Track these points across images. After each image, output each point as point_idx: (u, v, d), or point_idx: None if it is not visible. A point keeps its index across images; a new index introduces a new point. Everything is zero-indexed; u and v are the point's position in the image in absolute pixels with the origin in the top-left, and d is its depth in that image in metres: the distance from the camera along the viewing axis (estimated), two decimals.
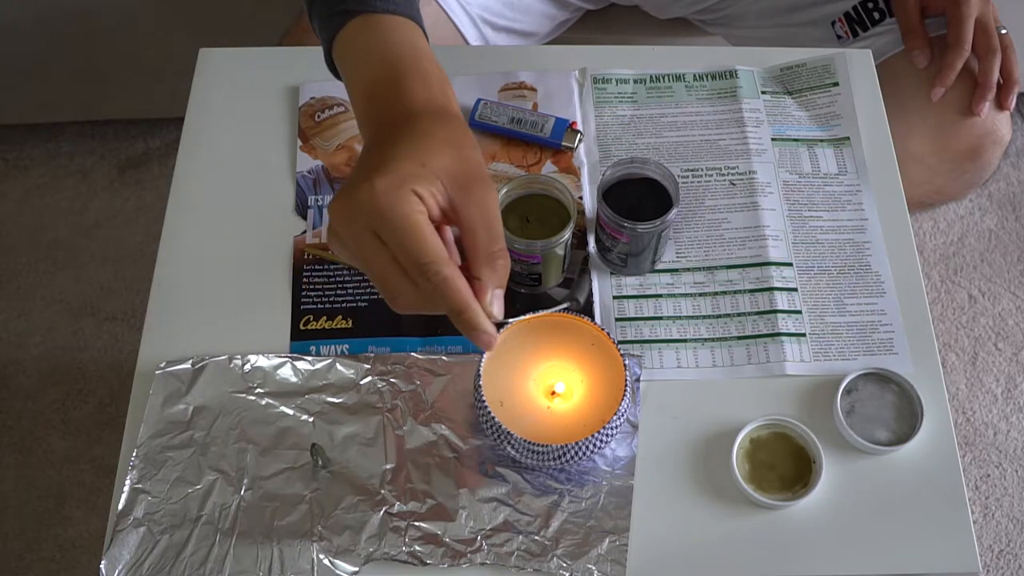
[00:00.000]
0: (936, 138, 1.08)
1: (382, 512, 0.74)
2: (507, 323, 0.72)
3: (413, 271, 0.60)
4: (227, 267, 0.86)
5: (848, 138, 0.93)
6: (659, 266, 0.86)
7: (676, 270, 0.86)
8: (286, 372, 0.80)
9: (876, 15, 1.12)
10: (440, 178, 0.62)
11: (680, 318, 0.84)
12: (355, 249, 0.62)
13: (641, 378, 0.81)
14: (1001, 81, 1.07)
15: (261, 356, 0.81)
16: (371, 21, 0.70)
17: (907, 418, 0.78)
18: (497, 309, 0.63)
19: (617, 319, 0.84)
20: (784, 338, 0.82)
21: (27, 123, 1.72)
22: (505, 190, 0.81)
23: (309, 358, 0.81)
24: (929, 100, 1.06)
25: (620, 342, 0.82)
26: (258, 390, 0.79)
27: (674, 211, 0.80)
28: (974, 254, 1.61)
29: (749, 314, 0.84)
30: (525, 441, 0.71)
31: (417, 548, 0.73)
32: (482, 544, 0.73)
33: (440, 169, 0.62)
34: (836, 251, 0.87)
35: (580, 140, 0.93)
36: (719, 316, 0.84)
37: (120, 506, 0.74)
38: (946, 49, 1.05)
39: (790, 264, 0.86)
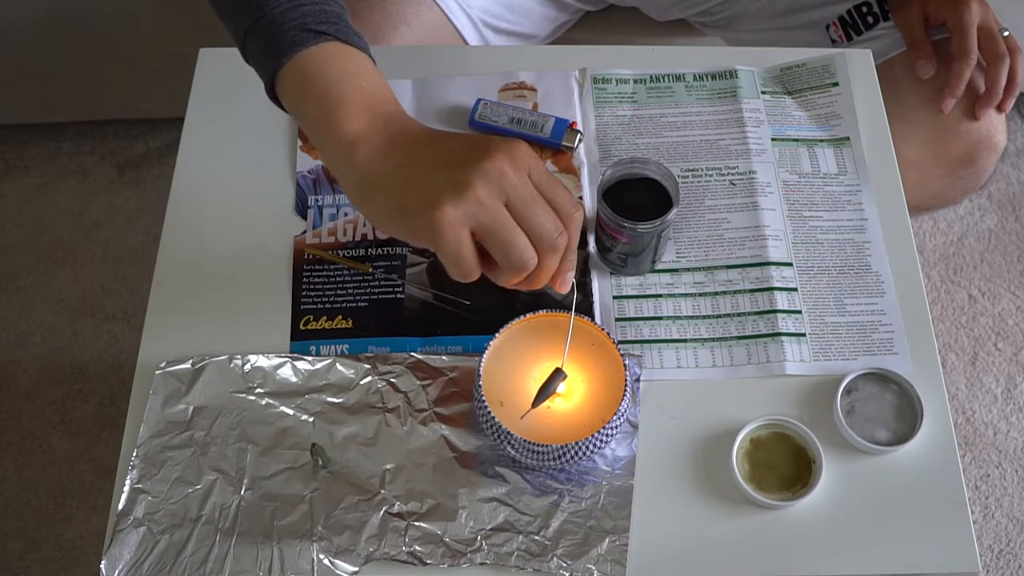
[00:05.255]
0: (931, 144, 1.08)
1: (382, 512, 0.74)
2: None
3: (565, 214, 0.69)
4: (227, 267, 0.86)
5: (848, 138, 0.93)
6: (659, 266, 0.86)
7: (676, 270, 0.86)
8: (286, 372, 0.80)
9: (870, 19, 1.12)
10: None
11: (680, 318, 0.84)
12: (521, 189, 0.67)
13: (641, 378, 0.81)
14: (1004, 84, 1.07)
15: (261, 356, 0.81)
16: (342, 47, 0.72)
17: (907, 418, 0.78)
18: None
19: (617, 319, 0.84)
20: (784, 338, 0.82)
21: (27, 123, 1.72)
22: None
23: (309, 358, 0.81)
24: (924, 106, 1.06)
25: (620, 342, 0.82)
26: (258, 390, 0.79)
27: (674, 211, 0.80)
28: (974, 254, 1.61)
29: (749, 314, 0.84)
30: (525, 441, 0.71)
31: (417, 548, 0.73)
32: (482, 544, 0.73)
33: None
34: (836, 251, 0.87)
35: (580, 140, 0.93)
36: (719, 316, 0.84)
37: (120, 506, 0.74)
38: (952, 59, 1.05)
39: (790, 264, 0.86)
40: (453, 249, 0.66)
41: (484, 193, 0.65)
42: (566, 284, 0.72)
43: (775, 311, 0.84)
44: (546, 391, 0.73)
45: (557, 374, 0.74)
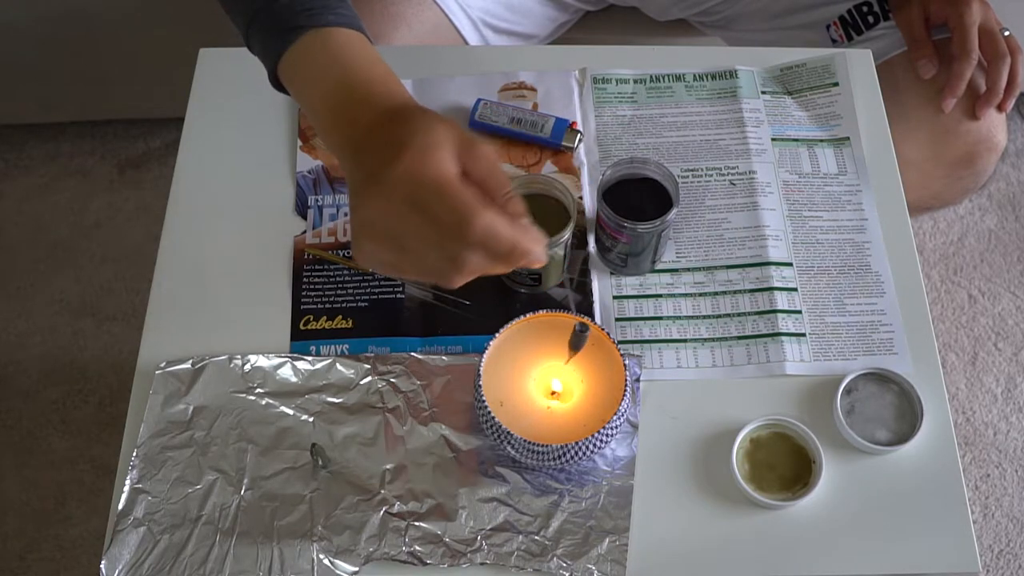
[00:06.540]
0: (931, 144, 1.08)
1: (382, 512, 0.74)
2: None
3: (457, 231, 0.62)
4: (227, 267, 0.86)
5: (848, 138, 0.93)
6: (659, 266, 0.86)
7: (676, 270, 0.86)
8: (286, 372, 0.80)
9: (871, 19, 1.12)
10: (451, 142, 0.65)
11: (680, 318, 0.84)
12: (398, 226, 0.63)
13: (641, 378, 0.81)
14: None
15: (261, 356, 0.81)
16: (325, 34, 0.72)
17: (907, 418, 0.78)
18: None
19: (617, 319, 0.84)
20: (784, 338, 0.82)
21: (27, 123, 1.72)
22: None
23: (309, 358, 0.81)
24: (924, 106, 1.06)
25: (620, 342, 0.82)
26: (258, 390, 0.79)
27: (674, 211, 0.80)
28: (974, 254, 1.61)
29: (749, 314, 0.84)
30: (525, 441, 0.71)
31: (417, 548, 0.73)
32: (482, 544, 0.73)
33: (448, 134, 0.65)
34: (836, 251, 0.87)
35: (580, 140, 0.93)
36: (719, 316, 0.84)
37: (120, 506, 0.74)
38: (952, 59, 1.05)
39: (790, 264, 0.86)
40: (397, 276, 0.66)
41: (368, 246, 0.65)
42: (538, 258, 0.66)
43: (775, 311, 0.84)
44: (577, 344, 0.73)
45: (584, 329, 0.73)
